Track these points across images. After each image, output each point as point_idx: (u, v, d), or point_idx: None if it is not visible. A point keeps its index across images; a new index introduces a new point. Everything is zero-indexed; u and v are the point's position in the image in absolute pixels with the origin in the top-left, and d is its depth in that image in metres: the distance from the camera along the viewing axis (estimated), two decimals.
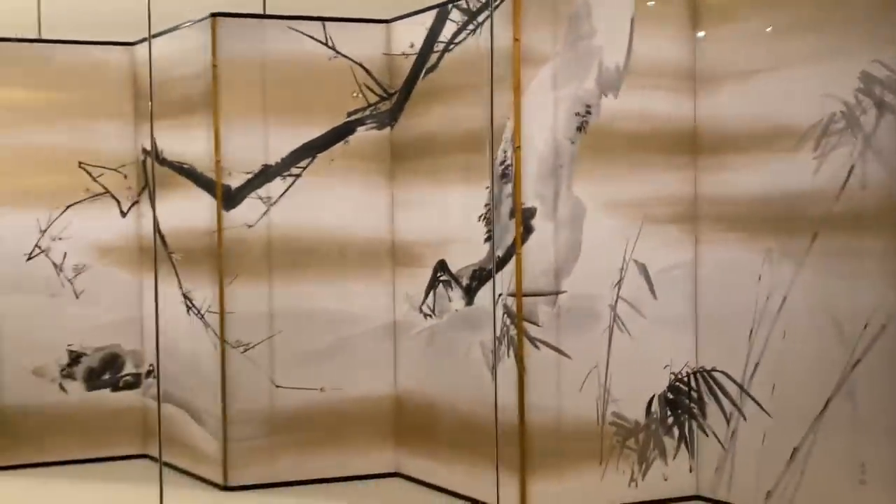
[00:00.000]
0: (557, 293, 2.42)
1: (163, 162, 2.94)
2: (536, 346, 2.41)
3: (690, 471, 2.54)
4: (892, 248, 2.14)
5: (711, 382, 2.51)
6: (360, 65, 2.78)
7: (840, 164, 2.22)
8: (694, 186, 2.52)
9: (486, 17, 2.45)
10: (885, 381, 2.16)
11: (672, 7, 2.49)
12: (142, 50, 3.05)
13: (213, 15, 2.69)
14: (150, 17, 2.54)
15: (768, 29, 2.33)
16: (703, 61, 2.49)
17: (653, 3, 2.46)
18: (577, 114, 2.43)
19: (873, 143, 2.17)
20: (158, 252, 2.94)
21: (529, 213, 2.40)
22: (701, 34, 2.49)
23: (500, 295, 2.45)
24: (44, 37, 3.19)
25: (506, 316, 2.43)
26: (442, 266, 2.65)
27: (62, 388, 3.08)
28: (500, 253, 2.45)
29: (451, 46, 2.59)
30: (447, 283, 2.64)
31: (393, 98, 2.79)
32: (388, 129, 2.81)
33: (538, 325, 2.41)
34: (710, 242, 2.50)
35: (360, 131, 2.79)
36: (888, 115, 2.14)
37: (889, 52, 2.12)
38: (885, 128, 2.14)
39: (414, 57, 2.71)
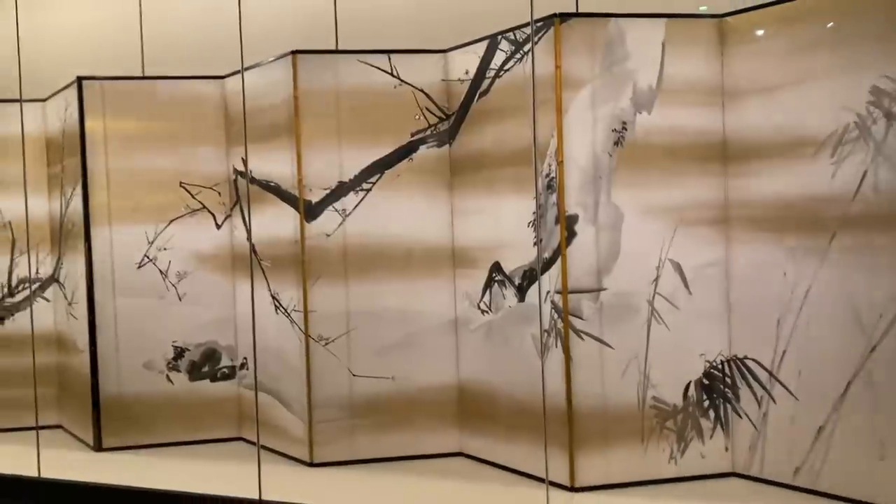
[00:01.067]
0: (600, 290, 2.71)
1: (252, 181, 3.36)
2: (581, 338, 2.71)
3: (726, 450, 2.79)
4: None
5: (743, 369, 2.76)
6: (422, 90, 3.13)
7: (854, 170, 2.44)
8: (724, 192, 2.77)
9: (531, 48, 2.76)
10: None
11: (700, 29, 2.75)
12: (231, 83, 3.48)
13: (294, 52, 3.09)
14: (242, 55, 2.95)
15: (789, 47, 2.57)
16: (730, 78, 2.74)
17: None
18: (615, 130, 2.72)
19: (884, 151, 2.39)
20: (250, 259, 3.36)
21: (573, 220, 2.70)
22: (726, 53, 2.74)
23: (548, 292, 2.75)
24: (147, 74, 3.67)
25: (553, 311, 2.74)
26: (497, 267, 2.98)
27: (168, 379, 3.54)
28: (547, 255, 2.76)
29: (501, 73, 2.92)
30: (501, 283, 2.97)
31: (451, 119, 3.13)
32: (447, 146, 3.15)
33: (583, 319, 2.70)
34: (741, 242, 2.75)
35: (423, 149, 3.14)
36: None
37: None
38: (894, 137, 2.36)
39: (469, 82, 3.04)
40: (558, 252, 2.71)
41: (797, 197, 2.58)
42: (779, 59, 2.60)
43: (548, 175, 2.74)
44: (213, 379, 3.58)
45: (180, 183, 3.52)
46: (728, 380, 2.79)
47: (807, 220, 2.56)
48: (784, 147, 2.61)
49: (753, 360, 2.73)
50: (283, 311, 3.24)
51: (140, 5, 3.81)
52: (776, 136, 2.63)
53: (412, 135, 3.14)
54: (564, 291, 2.69)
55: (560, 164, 2.69)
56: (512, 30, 2.84)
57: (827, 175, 2.50)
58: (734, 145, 2.75)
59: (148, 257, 3.51)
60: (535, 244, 2.80)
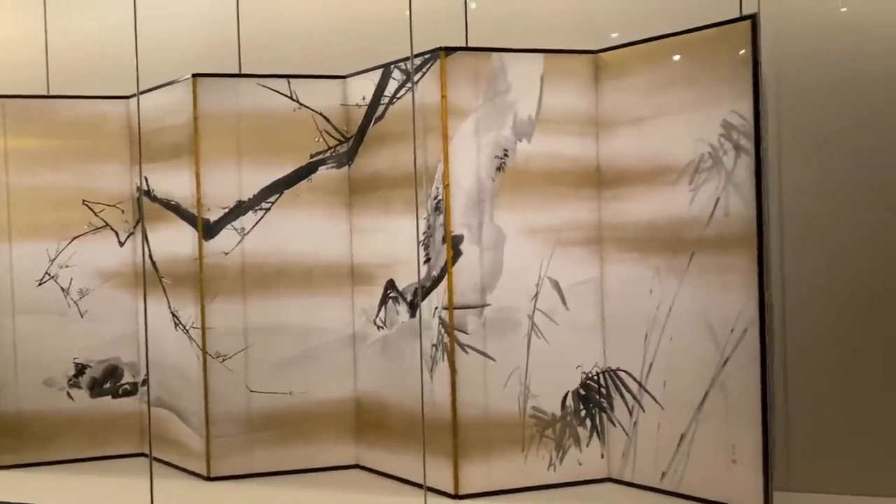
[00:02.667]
0: (483, 306, 2.87)
1: (154, 199, 3.42)
2: (466, 352, 2.86)
3: (602, 457, 2.98)
4: (750, 266, 2.59)
5: (617, 380, 2.96)
6: (321, 114, 3.25)
7: (709, 196, 2.68)
8: (598, 214, 2.98)
9: (420, 78, 2.93)
10: (748, 376, 2.61)
11: (576, 64, 2.96)
12: (136, 102, 3.53)
13: (195, 76, 3.18)
14: (138, 78, 3.02)
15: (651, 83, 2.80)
16: (603, 110, 2.96)
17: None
18: (497, 156, 2.90)
19: (733, 179, 2.63)
20: (150, 277, 3.41)
21: (458, 240, 2.86)
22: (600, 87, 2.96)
23: (436, 308, 2.90)
24: (52, 92, 3.69)
25: (441, 326, 2.88)
26: (391, 284, 3.11)
27: (69, 395, 3.53)
28: (435, 273, 2.91)
29: (394, 100, 3.07)
30: (395, 299, 3.10)
31: (349, 142, 3.27)
32: (346, 167, 3.28)
33: (467, 333, 2.86)
34: (613, 261, 2.96)
35: (322, 170, 3.27)
36: (744, 156, 2.60)
37: (743, 104, 2.59)
38: (742, 166, 2.61)
39: (365, 108, 3.19)
40: (445, 270, 2.86)
41: (661, 220, 2.81)
42: (644, 93, 2.83)
43: (435, 197, 2.90)
44: (115, 395, 3.59)
45: (83, 201, 3.54)
46: (603, 390, 2.98)
47: (669, 242, 2.78)
48: (650, 174, 2.83)
49: (625, 371, 2.93)
50: (182, 328, 3.29)
51: (45, 24, 3.83)
52: (643, 164, 2.85)
53: (311, 156, 3.25)
54: (451, 307, 2.84)
55: (447, 187, 2.85)
56: (402, 60, 3.01)
57: (686, 200, 2.73)
58: (607, 172, 2.97)
59: (49, 274, 3.51)
60: (425, 262, 2.94)
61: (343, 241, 3.26)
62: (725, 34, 2.63)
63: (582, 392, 2.97)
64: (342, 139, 3.27)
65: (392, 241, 3.11)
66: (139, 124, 3.08)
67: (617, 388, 2.95)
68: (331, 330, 3.25)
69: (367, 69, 3.17)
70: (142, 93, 3.28)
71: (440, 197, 2.88)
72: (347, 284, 3.27)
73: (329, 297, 3.25)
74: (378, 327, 3.17)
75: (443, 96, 2.83)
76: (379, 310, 3.17)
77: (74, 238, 3.51)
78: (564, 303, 2.95)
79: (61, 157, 3.51)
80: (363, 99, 3.19)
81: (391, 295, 3.12)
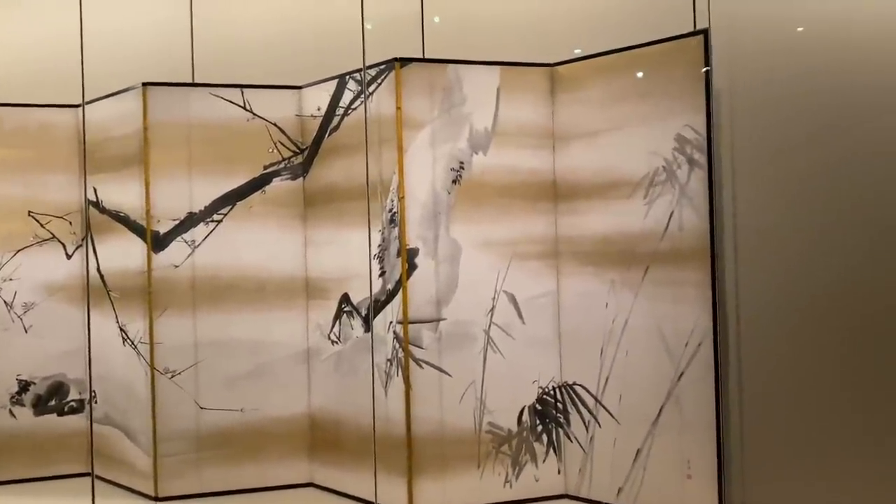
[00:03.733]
0: (439, 320, 2.83)
1: (102, 210, 3.32)
2: (421, 366, 2.82)
3: (558, 472, 2.95)
4: (704, 279, 2.59)
5: (573, 395, 2.94)
6: (275, 124, 3.20)
7: (663, 210, 2.68)
8: (555, 228, 2.97)
9: (375, 89, 2.89)
10: (703, 389, 2.60)
11: (532, 77, 2.95)
12: (86, 112, 3.43)
13: (145, 85, 3.10)
14: (83, 86, 2.94)
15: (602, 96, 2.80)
16: (559, 123, 2.96)
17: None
18: (453, 169, 2.87)
19: (687, 193, 2.63)
20: (99, 290, 3.31)
21: (413, 253, 2.82)
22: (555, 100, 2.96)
23: (390, 322, 2.85)
24: None
25: (395, 340, 2.84)
26: (346, 298, 3.06)
27: (12, 414, 3.41)
28: (390, 286, 2.86)
29: (349, 111, 3.03)
30: (350, 314, 3.05)
31: (304, 153, 3.22)
32: (300, 179, 3.22)
33: (422, 348, 2.81)
34: (569, 275, 2.94)
35: (276, 182, 3.21)
36: (697, 170, 2.61)
37: (697, 118, 2.60)
38: (695, 180, 2.61)
39: (321, 118, 3.14)
40: (400, 284, 2.82)
41: (616, 234, 2.80)
42: (599, 106, 2.83)
43: (391, 210, 2.86)
44: (61, 413, 3.47)
45: (29, 212, 3.43)
46: (560, 405, 2.95)
47: (624, 256, 2.77)
48: (604, 188, 2.83)
49: (582, 386, 2.91)
50: (130, 343, 3.20)
51: None
52: (598, 178, 2.84)
53: (265, 167, 3.19)
54: (405, 321, 2.80)
55: (402, 199, 2.81)
56: (357, 71, 2.97)
57: (641, 214, 2.73)
58: (563, 185, 2.95)
59: None
60: (380, 276, 2.89)
61: (297, 255, 3.20)
62: (679, 49, 2.64)
63: (538, 407, 2.94)
64: (297, 150, 3.22)
65: (346, 254, 3.06)
66: (84, 133, 2.98)
67: (573, 403, 2.93)
68: (284, 345, 3.18)
69: (322, 80, 3.12)
70: (90, 102, 3.20)
71: (395, 209, 2.84)
72: (301, 298, 3.20)
73: (282, 312, 3.18)
74: (332, 342, 3.11)
75: (397, 107, 2.80)
76: (333, 324, 3.11)
77: (19, 250, 3.41)
78: (521, 317, 2.92)
79: (6, 167, 3.40)
80: (318, 110, 3.15)
81: (345, 309, 3.06)
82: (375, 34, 2.90)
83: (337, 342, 3.09)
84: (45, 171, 3.45)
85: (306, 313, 3.21)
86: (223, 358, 3.13)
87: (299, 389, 3.19)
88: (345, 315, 3.07)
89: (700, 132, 2.59)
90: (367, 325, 2.96)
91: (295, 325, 3.20)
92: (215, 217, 3.15)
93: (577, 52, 2.94)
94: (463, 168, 2.88)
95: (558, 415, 2.95)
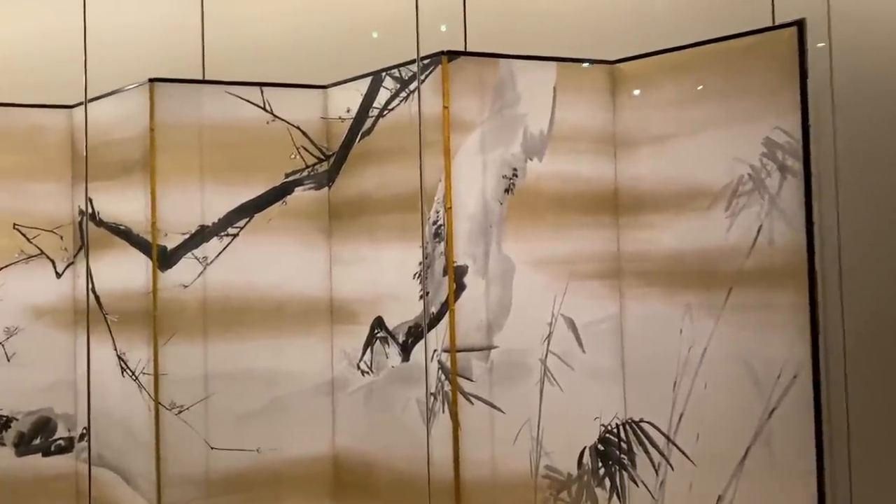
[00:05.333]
0: (490, 348, 2.49)
1: (99, 223, 2.95)
2: (470, 401, 2.46)
3: None
4: (799, 301, 2.28)
5: (640, 433, 2.60)
6: (298, 128, 2.85)
7: (750, 223, 2.37)
8: (617, 244, 2.64)
9: (418, 85, 2.56)
10: (798, 429, 2.28)
11: (591, 75, 2.65)
12: (80, 113, 3.07)
13: (151, 80, 2.75)
14: (86, 80, 2.60)
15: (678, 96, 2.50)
16: (622, 126, 2.65)
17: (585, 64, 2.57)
18: (505, 176, 2.54)
19: (778, 204, 2.32)
20: (95, 313, 2.92)
21: (461, 271, 2.48)
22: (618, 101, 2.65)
23: (434, 351, 2.50)
24: None
25: (440, 372, 2.48)
26: (379, 323, 2.70)
27: None
28: (433, 310, 2.52)
29: (385, 112, 2.70)
30: (384, 340, 2.69)
31: (330, 160, 2.87)
32: (325, 189, 2.88)
33: (472, 381, 2.46)
34: (634, 297, 2.61)
35: (298, 191, 2.86)
36: (791, 177, 2.31)
37: (789, 119, 2.30)
38: (788, 189, 2.31)
39: (350, 121, 2.81)
40: (446, 307, 2.47)
41: (692, 251, 2.48)
42: (669, 108, 2.53)
43: (435, 222, 2.52)
44: (47, 453, 3.06)
45: (14, 225, 3.05)
46: (624, 445, 2.61)
47: (702, 276, 2.46)
48: (677, 199, 2.51)
49: (650, 423, 2.57)
50: (130, 373, 2.81)
51: None
52: (668, 187, 2.53)
53: (286, 175, 2.85)
54: (453, 350, 2.45)
55: (448, 210, 2.47)
56: (397, 67, 2.64)
57: (722, 228, 2.42)
58: (626, 195, 2.64)
59: None
60: (420, 298, 2.55)
61: (321, 273, 2.85)
62: (767, 42, 2.35)
63: (600, 447, 2.60)
64: (322, 157, 2.88)
65: (379, 272, 2.71)
66: (86, 134, 2.62)
67: (640, 443, 2.59)
68: (305, 376, 2.81)
69: (352, 77, 2.79)
70: (90, 101, 2.84)
71: (441, 222, 2.50)
72: (325, 323, 2.84)
73: (304, 338, 2.82)
74: (362, 372, 2.75)
75: (444, 107, 2.48)
76: (364, 352, 2.75)
77: (2, 268, 3.01)
78: (581, 344, 2.58)
79: None
80: (347, 111, 2.81)
81: (378, 335, 2.71)
82: (406, 28, 2.58)
83: (368, 372, 2.73)
84: (34, 178, 3.07)
85: (331, 339, 2.84)
86: (237, 391, 2.75)
87: (323, 426, 2.82)
88: (377, 342, 2.71)
89: (793, 135, 2.29)
90: (406, 353, 2.61)
91: (318, 353, 2.83)
92: (230, 231, 2.79)
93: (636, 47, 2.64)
94: (516, 175, 2.55)
95: (622, 456, 2.61)
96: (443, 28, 2.87)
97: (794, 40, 2.29)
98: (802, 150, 2.28)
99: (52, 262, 3.09)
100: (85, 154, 2.80)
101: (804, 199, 2.27)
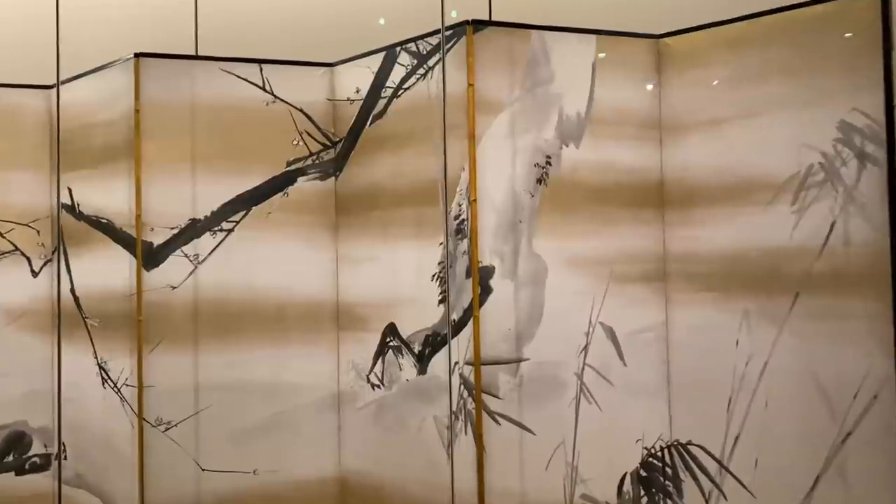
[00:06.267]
0: (519, 361, 2.18)
1: (80, 216, 2.65)
2: (497, 421, 2.16)
3: None
4: (879, 310, 1.97)
5: (687, 457, 2.29)
6: (301, 110, 2.55)
7: (821, 219, 2.06)
8: (662, 242, 2.34)
9: (438, 61, 2.26)
10: (878, 456, 1.97)
11: (635, 51, 2.34)
12: (61, 94, 2.77)
13: (137, 55, 2.45)
14: (58, 54, 2.30)
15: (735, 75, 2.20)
16: (668, 109, 2.34)
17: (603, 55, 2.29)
18: (537, 165, 2.24)
19: (856, 198, 2.02)
20: (73, 317, 2.62)
21: (487, 272, 2.18)
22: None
23: (455, 363, 2.20)
24: None
25: (463, 387, 2.18)
26: (392, 330, 2.40)
27: None
28: (455, 316, 2.21)
29: (400, 92, 2.39)
30: (397, 350, 2.39)
31: (337, 146, 2.57)
32: (332, 179, 2.57)
33: (499, 398, 2.16)
34: (681, 303, 2.31)
35: (301, 182, 2.56)
36: (871, 167, 2.00)
37: (869, 99, 2.00)
38: (867, 180, 2.00)
39: (360, 103, 2.50)
40: (470, 313, 2.17)
41: (751, 251, 2.18)
42: (725, 87, 2.23)
43: (457, 217, 2.22)
44: (21, 471, 2.76)
45: None
46: (669, 471, 2.31)
47: (763, 279, 2.15)
48: (734, 191, 2.21)
49: (699, 446, 2.27)
50: (111, 384, 2.51)
51: None
52: (722, 178, 2.23)
53: (288, 164, 2.55)
54: (477, 363, 2.14)
55: (473, 203, 2.17)
56: (414, 40, 2.34)
57: (787, 225, 2.11)
58: (673, 187, 2.33)
59: None
60: (440, 302, 2.25)
61: (326, 274, 2.55)
62: (842, 11, 2.04)
63: (643, 473, 2.29)
64: (328, 143, 2.57)
65: (393, 274, 2.40)
66: (59, 117, 2.32)
67: (688, 468, 2.28)
68: (308, 388, 2.51)
69: (363, 53, 2.49)
70: (66, 81, 2.55)
71: (464, 216, 2.20)
72: (331, 330, 2.54)
73: (307, 346, 2.52)
74: (373, 386, 2.44)
75: (469, 84, 2.17)
76: (374, 363, 2.44)
77: None
78: (621, 357, 2.28)
79: None
80: (356, 92, 2.51)
81: (391, 343, 2.40)
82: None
83: (379, 386, 2.43)
84: (8, 166, 2.77)
85: (337, 348, 2.54)
86: (231, 406, 2.45)
87: (328, 446, 2.52)
88: (390, 351, 2.41)
89: (874, 118, 1.98)
90: (423, 365, 2.30)
91: (323, 364, 2.53)
92: (224, 225, 2.49)
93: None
94: (550, 164, 2.24)
95: (667, 483, 2.30)
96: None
97: (877, 8, 1.98)
98: (886, 134, 1.97)
99: (28, 259, 2.79)
100: (57, 137, 2.50)
101: (887, 192, 1.97)
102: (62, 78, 2.76)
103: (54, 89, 2.82)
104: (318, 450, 2.51)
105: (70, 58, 2.54)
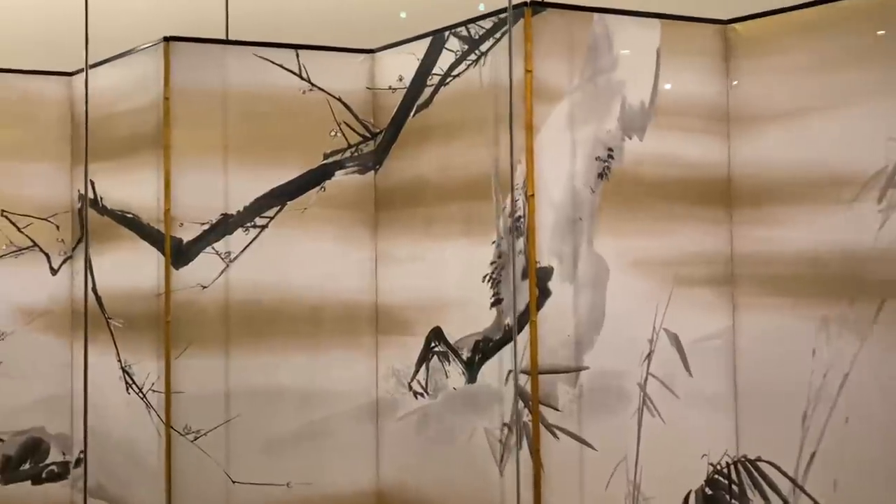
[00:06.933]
0: (580, 370, 2.02)
1: (103, 210, 2.50)
2: (555, 435, 2.00)
3: None
4: None
5: (756, 475, 2.13)
6: (339, 99, 2.40)
7: None
8: (730, 243, 2.18)
9: (492, 46, 2.10)
10: None
11: (700, 37, 2.18)
12: (82, 81, 2.62)
13: (167, 39, 2.29)
14: (87, 37, 2.16)
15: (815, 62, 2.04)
16: (738, 99, 2.18)
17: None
18: (598, 158, 2.08)
19: None
20: (95, 317, 2.47)
21: (546, 274, 2.02)
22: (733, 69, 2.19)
23: (509, 371, 2.04)
24: None
25: (517, 397, 2.02)
26: (437, 335, 2.24)
27: None
28: (509, 321, 2.05)
29: (448, 80, 2.23)
30: (443, 356, 2.23)
31: (377, 138, 2.42)
32: (371, 172, 2.42)
33: (557, 410, 2.00)
34: (751, 308, 2.14)
35: (339, 175, 2.40)
36: None
37: None
38: None
39: (403, 91, 2.34)
40: (526, 317, 2.01)
41: (830, 253, 2.01)
42: (801, 76, 2.06)
43: (513, 213, 2.06)
44: (37, 480, 2.62)
45: (2, 212, 2.61)
46: (736, 488, 2.15)
47: (844, 284, 1.98)
48: (811, 188, 2.04)
49: (770, 462, 2.10)
50: (136, 389, 2.36)
51: None
52: (800, 175, 2.06)
53: (325, 156, 2.39)
54: (534, 371, 1.99)
55: (531, 198, 2.01)
56: (465, 23, 2.18)
57: (872, 225, 1.95)
58: (742, 183, 2.17)
59: None
60: (492, 305, 2.09)
61: (365, 273, 2.39)
62: None
63: (708, 491, 2.13)
64: (367, 134, 2.42)
65: (438, 274, 2.24)
66: (87, 102, 2.17)
67: (757, 486, 2.12)
68: (346, 396, 2.36)
69: (406, 39, 2.33)
70: (91, 66, 2.40)
71: (520, 213, 2.04)
72: (370, 333, 2.39)
73: (344, 350, 2.37)
74: (415, 394, 2.29)
75: (527, 70, 2.01)
76: (417, 370, 2.29)
77: None
78: (686, 366, 2.12)
79: None
80: (399, 80, 2.35)
81: (436, 349, 2.25)
82: None
83: (422, 394, 2.27)
84: (26, 157, 2.63)
85: (376, 353, 2.39)
86: (264, 413, 2.30)
87: (365, 457, 2.36)
88: (435, 357, 2.25)
89: None
90: (472, 372, 2.15)
91: (361, 369, 2.37)
92: (258, 221, 2.34)
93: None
94: (612, 157, 2.08)
95: (734, 501, 2.14)
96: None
97: None
98: None
99: (47, 255, 2.65)
100: (86, 125, 2.35)
101: None
102: (82, 65, 2.63)
103: (75, 76, 2.68)
104: (354, 461, 2.36)
105: (93, 43, 2.41)
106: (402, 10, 2.68)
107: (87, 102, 2.30)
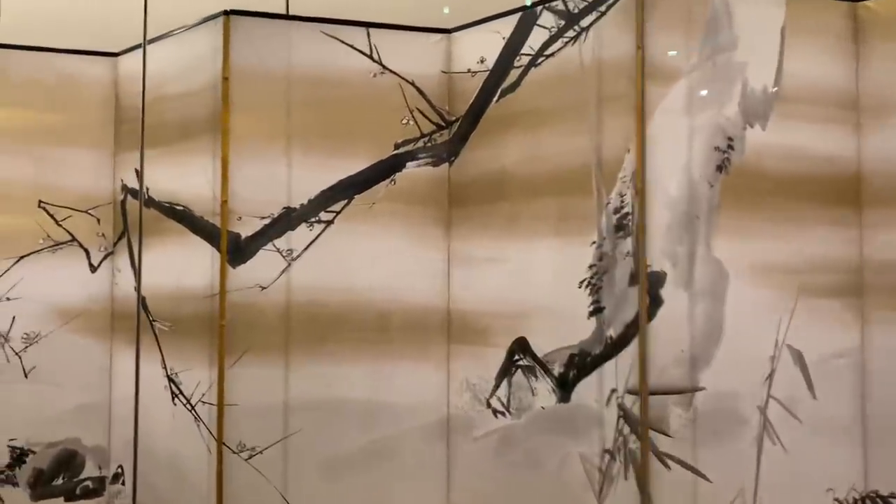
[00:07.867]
0: (695, 391, 1.78)
1: (149, 202, 2.28)
2: (666, 465, 1.75)
3: None
4: None
5: None
6: (412, 83, 2.17)
7: None
8: (859, 248, 1.93)
9: (595, 21, 1.87)
10: None
11: (828, 15, 1.93)
12: (128, 62, 2.42)
13: (227, 13, 2.08)
14: (146, 11, 1.95)
15: None
16: (870, 87, 1.93)
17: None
18: (717, 148, 1.83)
19: None
20: (138, 319, 2.26)
21: (658, 280, 1.78)
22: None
23: (612, 391, 1.80)
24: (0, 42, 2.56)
25: (622, 420, 1.78)
26: (522, 346, 2.00)
27: None
28: (612, 332, 1.81)
29: (540, 60, 2.00)
30: (529, 370, 1.99)
31: (453, 127, 2.19)
32: (445, 165, 2.19)
33: (669, 436, 1.75)
34: (883, 323, 1.89)
35: (411, 167, 2.17)
36: None
37: None
38: None
39: (484, 75, 2.11)
40: (633, 329, 1.77)
41: None
42: None
43: (618, 210, 1.82)
44: (71, 496, 2.42)
45: (39, 203, 2.41)
46: None
47: None
48: None
49: None
50: (183, 400, 2.14)
51: None
52: None
53: (396, 146, 2.17)
54: (643, 391, 1.74)
55: (640, 192, 1.77)
56: None
57: None
58: (875, 181, 1.92)
59: None
60: (591, 315, 1.85)
61: (437, 275, 2.16)
62: None
63: None
64: (442, 123, 2.19)
65: (523, 277, 2.01)
66: (144, 82, 1.97)
67: None
68: (413, 411, 2.13)
69: (489, 17, 2.11)
70: (136, 47, 2.20)
71: (627, 209, 1.80)
72: (442, 341, 2.15)
73: (413, 361, 2.14)
74: (495, 412, 2.05)
75: (638, 47, 1.78)
76: (497, 384, 2.05)
77: (22, 257, 2.39)
78: (811, 388, 1.86)
79: (10, 135, 2.40)
80: (481, 62, 2.12)
81: (520, 362, 2.01)
82: None
83: (503, 413, 2.03)
84: (66, 144, 2.43)
85: (447, 364, 2.15)
86: (325, 430, 2.07)
87: (435, 480, 2.13)
88: (519, 371, 2.01)
89: None
90: (566, 390, 1.90)
91: (432, 382, 2.14)
92: (322, 216, 2.11)
93: None
94: (732, 148, 1.84)
95: None
96: None
97: None
98: None
99: (86, 251, 2.45)
100: (143, 108, 2.14)
101: None
102: (128, 45, 2.43)
103: (121, 57, 2.48)
104: (422, 485, 2.12)
105: (139, 22, 2.20)
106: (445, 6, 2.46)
107: (143, 81, 2.10)
